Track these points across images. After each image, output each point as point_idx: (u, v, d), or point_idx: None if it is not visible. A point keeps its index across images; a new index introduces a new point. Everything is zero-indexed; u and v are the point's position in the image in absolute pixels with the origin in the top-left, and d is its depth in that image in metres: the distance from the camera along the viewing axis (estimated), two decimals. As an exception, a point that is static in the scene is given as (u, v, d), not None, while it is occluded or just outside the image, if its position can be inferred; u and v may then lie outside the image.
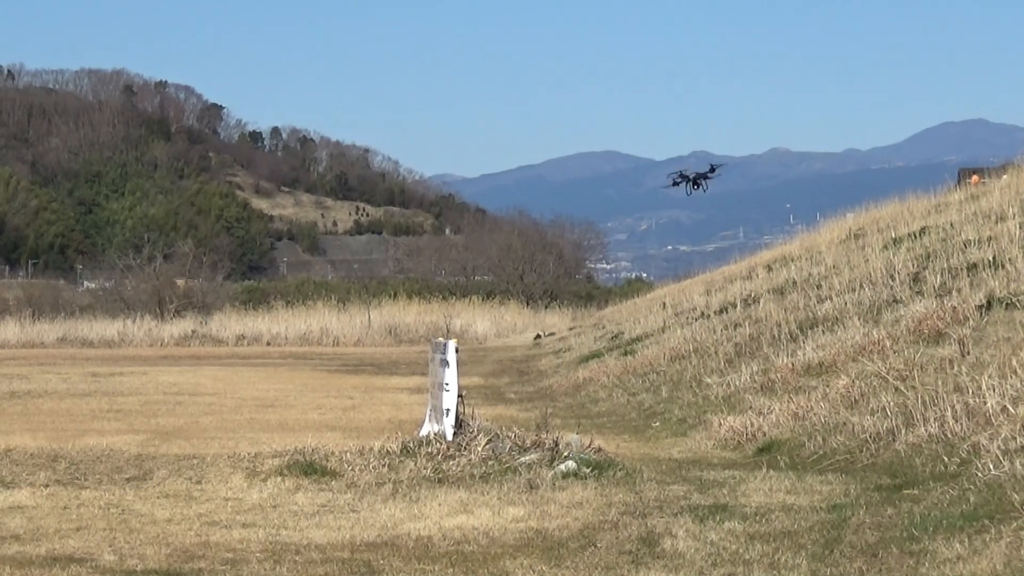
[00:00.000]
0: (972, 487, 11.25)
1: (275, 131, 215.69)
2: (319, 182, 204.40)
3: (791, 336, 22.66)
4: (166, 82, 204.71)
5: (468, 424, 15.75)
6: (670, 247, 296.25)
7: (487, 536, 11.23)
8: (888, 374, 16.32)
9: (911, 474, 12.74)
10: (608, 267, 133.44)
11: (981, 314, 17.48)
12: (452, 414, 15.46)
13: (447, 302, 70.74)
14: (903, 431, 14.06)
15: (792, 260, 32.37)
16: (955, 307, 18.23)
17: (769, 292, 28.63)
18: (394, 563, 10.22)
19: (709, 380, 22.11)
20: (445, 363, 15.74)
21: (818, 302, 24.60)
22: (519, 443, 15.22)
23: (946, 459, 12.60)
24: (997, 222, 23.53)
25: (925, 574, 9.26)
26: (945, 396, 14.08)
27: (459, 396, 15.60)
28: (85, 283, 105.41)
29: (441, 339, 16.61)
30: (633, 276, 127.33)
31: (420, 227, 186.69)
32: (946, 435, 13.27)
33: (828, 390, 17.23)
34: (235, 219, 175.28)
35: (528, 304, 77.02)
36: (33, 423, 21.46)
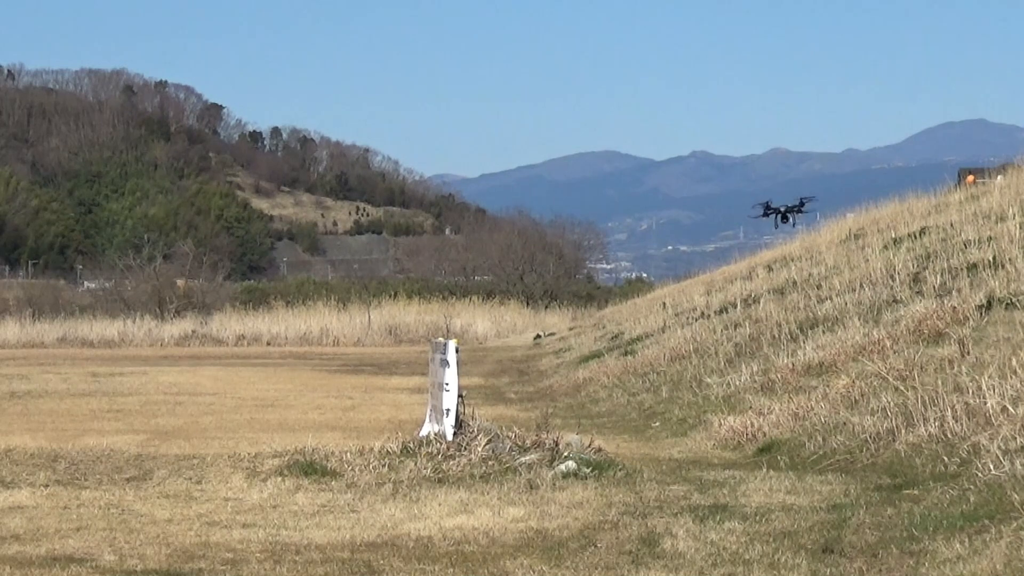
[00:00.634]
0: (972, 487, 11.25)
1: (275, 131, 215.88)
2: (319, 182, 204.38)
3: (791, 336, 22.66)
4: (166, 82, 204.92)
5: (468, 424, 15.75)
6: (670, 247, 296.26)
7: (487, 536, 11.22)
8: (888, 374, 16.31)
9: (911, 474, 12.74)
10: (608, 267, 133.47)
11: (981, 314, 17.48)
12: (452, 414, 15.46)
13: (447, 302, 70.76)
14: (903, 431, 14.06)
15: (792, 260, 32.37)
16: (955, 307, 18.23)
17: (769, 292, 28.64)
18: (394, 563, 10.21)
19: (709, 380, 22.12)
20: (445, 363, 15.74)
21: (818, 302, 24.60)
22: (519, 443, 15.22)
23: (946, 459, 12.60)
24: (997, 222, 23.52)
25: (925, 574, 9.26)
26: (945, 396, 14.08)
27: (459, 396, 15.60)
28: (85, 283, 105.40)
29: (441, 339, 16.61)
30: (633, 276, 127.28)
31: (420, 227, 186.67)
32: (946, 435, 13.27)
33: (828, 390, 17.23)
34: (235, 219, 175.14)
35: (528, 304, 77.01)
36: (33, 423, 21.47)
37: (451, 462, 14.71)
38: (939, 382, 14.76)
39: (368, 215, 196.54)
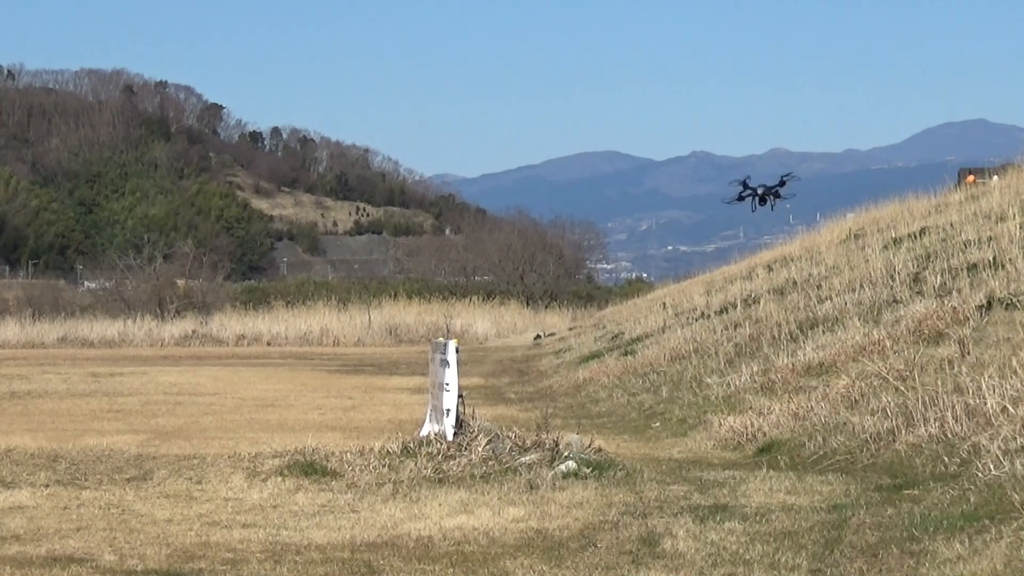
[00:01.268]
0: (972, 487, 11.25)
1: (275, 131, 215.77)
2: (319, 182, 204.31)
3: (791, 336, 22.67)
4: (166, 82, 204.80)
5: (468, 424, 15.75)
6: (670, 247, 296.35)
7: (487, 536, 11.23)
8: (888, 374, 16.32)
9: (911, 474, 12.74)
10: (608, 267, 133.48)
11: (981, 314, 17.49)
12: (452, 414, 15.46)
13: (447, 302, 70.80)
14: (903, 431, 14.06)
15: (792, 260, 32.38)
16: (955, 307, 18.23)
17: (769, 292, 28.64)
18: (394, 563, 10.22)
19: (709, 380, 22.12)
20: (445, 363, 15.75)
21: (818, 302, 24.61)
22: (519, 443, 15.22)
23: (946, 459, 12.60)
24: (997, 222, 23.52)
25: (925, 574, 9.26)
26: (945, 396, 14.08)
27: (459, 396, 15.60)
28: (85, 283, 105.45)
29: (441, 339, 16.61)
30: (633, 276, 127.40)
31: (420, 227, 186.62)
32: (946, 435, 13.27)
33: (828, 390, 17.23)
34: (235, 219, 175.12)
35: (528, 304, 77.04)
36: (33, 423, 21.48)
37: (451, 462, 14.72)
38: (939, 382, 14.76)
39: (368, 215, 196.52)
